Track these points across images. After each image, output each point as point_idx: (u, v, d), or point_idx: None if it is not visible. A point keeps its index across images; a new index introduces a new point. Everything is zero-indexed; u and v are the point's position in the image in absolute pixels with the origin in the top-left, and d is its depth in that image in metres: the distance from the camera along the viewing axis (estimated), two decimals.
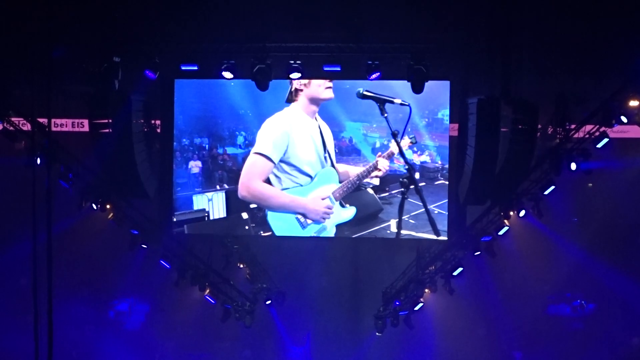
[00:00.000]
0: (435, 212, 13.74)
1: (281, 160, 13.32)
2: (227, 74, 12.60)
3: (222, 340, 16.23)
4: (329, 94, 13.24)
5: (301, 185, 13.48)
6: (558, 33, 12.35)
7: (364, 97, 12.23)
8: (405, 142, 13.25)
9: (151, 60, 12.50)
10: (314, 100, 13.31)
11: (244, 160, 13.62)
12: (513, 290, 15.93)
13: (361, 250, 15.81)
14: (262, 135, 13.37)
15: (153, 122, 14.26)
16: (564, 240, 15.48)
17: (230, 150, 13.85)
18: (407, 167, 12.60)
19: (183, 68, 12.74)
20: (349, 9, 12.59)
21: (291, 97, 13.31)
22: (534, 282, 15.89)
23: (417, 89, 12.43)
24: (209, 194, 13.82)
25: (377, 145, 13.62)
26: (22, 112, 13.04)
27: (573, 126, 13.11)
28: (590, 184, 15.54)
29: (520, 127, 12.89)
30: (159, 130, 14.32)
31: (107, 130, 13.21)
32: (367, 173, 13.47)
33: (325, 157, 13.52)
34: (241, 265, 15.76)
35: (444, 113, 13.62)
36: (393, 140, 12.98)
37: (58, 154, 13.06)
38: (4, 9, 11.95)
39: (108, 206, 13.87)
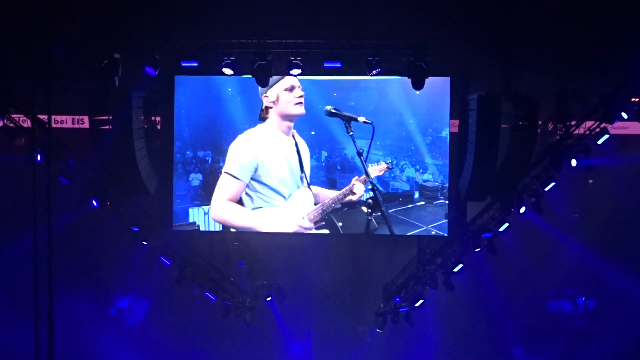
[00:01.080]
0: (433, 232, 13.73)
1: (252, 179, 13.03)
2: (228, 71, 12.57)
3: (223, 337, 16.22)
4: (299, 109, 12.89)
5: (274, 206, 13.22)
6: (558, 29, 12.34)
7: (331, 114, 12.67)
8: (382, 166, 13.12)
9: (151, 56, 12.46)
10: (285, 117, 12.95)
11: None
12: (513, 286, 15.93)
13: (361, 247, 15.82)
14: (231, 153, 13.09)
15: (153, 118, 14.25)
16: (564, 236, 15.48)
17: None
18: (371, 188, 12.83)
19: (183, 64, 12.71)
20: (349, 5, 12.56)
21: (263, 115, 13.00)
22: (534, 278, 15.89)
23: (417, 85, 12.43)
24: (206, 208, 13.65)
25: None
26: (22, 108, 13.02)
27: (573, 122, 13.11)
28: (591, 180, 15.54)
29: (520, 123, 12.91)
30: (159, 127, 14.32)
31: (107, 127, 13.21)
32: (343, 197, 13.15)
33: (301, 177, 13.22)
34: (242, 262, 15.74)
35: (448, 133, 13.48)
36: (370, 166, 13.07)
37: (58, 150, 13.06)
38: (5, 6, 11.95)
39: (108, 203, 13.86)
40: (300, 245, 15.30)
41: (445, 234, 13.76)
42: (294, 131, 13.15)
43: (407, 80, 12.48)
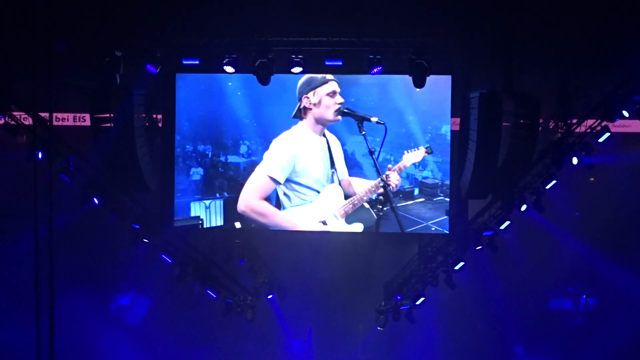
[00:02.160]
0: (432, 229, 13.76)
1: (290, 180, 13.22)
2: (229, 68, 12.60)
3: (224, 335, 16.21)
4: (337, 116, 12.99)
5: (310, 202, 13.39)
6: (560, 27, 12.34)
7: (343, 114, 12.85)
8: (420, 152, 13.21)
9: (153, 54, 12.49)
10: (321, 121, 13.07)
11: (245, 169, 13.60)
12: (514, 284, 15.91)
13: (363, 245, 15.78)
14: (270, 156, 13.27)
15: (154, 116, 14.26)
16: (565, 234, 15.45)
17: (232, 158, 13.75)
18: (382, 184, 12.90)
19: (184, 62, 12.74)
20: (350, 3, 12.57)
21: (299, 114, 13.11)
22: (535, 276, 15.86)
23: (419, 83, 12.45)
24: (207, 202, 13.75)
25: (380, 160, 13.16)
26: (24, 106, 13.03)
27: (575, 120, 13.13)
28: (592, 178, 15.52)
29: (521, 121, 12.92)
30: (160, 125, 14.33)
31: (108, 125, 13.21)
32: (376, 188, 13.21)
33: (332, 173, 13.35)
34: (243, 260, 15.73)
35: (447, 129, 13.49)
36: (407, 152, 13.18)
37: (59, 148, 13.04)
38: (6, 3, 11.95)
39: (109, 201, 13.86)
40: (301, 243, 15.27)
41: (446, 232, 13.77)
42: (326, 130, 13.27)
43: (408, 78, 12.62)
